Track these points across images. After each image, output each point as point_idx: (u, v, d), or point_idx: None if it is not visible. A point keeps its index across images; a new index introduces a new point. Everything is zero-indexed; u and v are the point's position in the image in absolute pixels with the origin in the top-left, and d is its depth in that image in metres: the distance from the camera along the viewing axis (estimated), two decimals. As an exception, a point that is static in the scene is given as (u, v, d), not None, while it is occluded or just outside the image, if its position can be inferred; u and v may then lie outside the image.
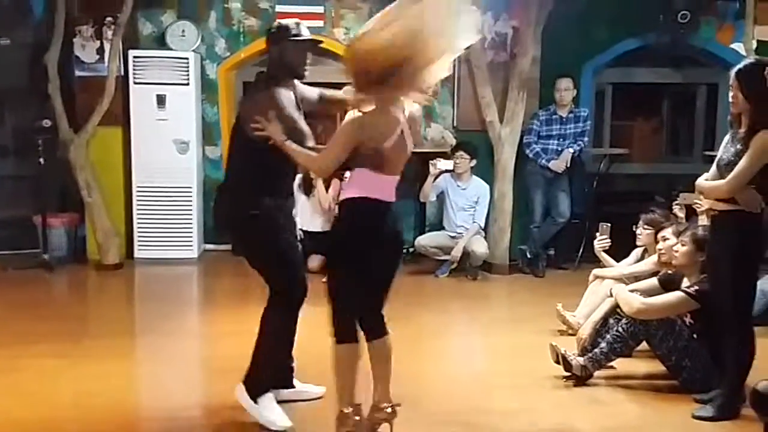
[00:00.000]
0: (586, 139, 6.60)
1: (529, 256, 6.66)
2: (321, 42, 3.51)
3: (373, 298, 3.20)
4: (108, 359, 4.30)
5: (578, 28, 6.84)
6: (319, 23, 7.16)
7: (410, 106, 3.17)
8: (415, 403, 3.65)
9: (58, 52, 6.55)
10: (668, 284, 4.02)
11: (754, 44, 6.60)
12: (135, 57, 6.76)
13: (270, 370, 3.48)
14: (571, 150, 6.46)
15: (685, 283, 3.89)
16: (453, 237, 6.46)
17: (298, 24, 3.47)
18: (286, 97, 3.28)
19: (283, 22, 3.52)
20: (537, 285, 6.42)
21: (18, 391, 3.82)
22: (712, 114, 7.56)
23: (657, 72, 7.45)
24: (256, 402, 3.38)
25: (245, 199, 3.34)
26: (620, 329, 3.82)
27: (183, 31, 7.01)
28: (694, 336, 3.78)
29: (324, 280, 6.10)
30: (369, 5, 7.15)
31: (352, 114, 3.13)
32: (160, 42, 7.07)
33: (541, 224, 6.62)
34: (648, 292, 4.00)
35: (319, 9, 7.14)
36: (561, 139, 6.52)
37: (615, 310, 4.02)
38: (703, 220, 4.94)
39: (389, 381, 3.23)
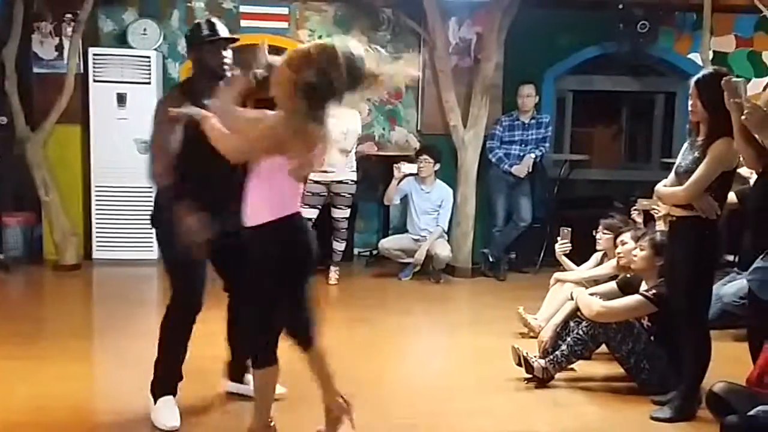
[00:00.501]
0: (547, 144, 6.70)
1: (491, 259, 6.73)
2: (237, 39, 3.37)
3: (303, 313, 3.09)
4: (65, 361, 4.21)
5: (540, 36, 6.95)
6: (284, 24, 7.15)
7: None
8: (377, 406, 3.67)
9: (16, 48, 6.43)
10: (627, 288, 4.10)
11: (711, 54, 6.78)
12: (95, 54, 6.66)
13: (163, 373, 3.46)
14: (532, 155, 6.55)
15: (643, 286, 3.98)
16: (416, 240, 6.49)
17: (211, 23, 3.35)
18: (162, 110, 3.20)
19: (197, 22, 3.41)
20: (499, 288, 6.49)
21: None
22: (670, 122, 7.74)
23: (616, 80, 7.60)
24: (155, 402, 3.42)
25: (164, 202, 3.25)
26: (581, 332, 3.88)
27: (145, 29, 6.93)
28: (652, 339, 3.86)
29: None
30: (334, 8, 7.16)
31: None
32: (121, 40, 6.98)
33: (503, 228, 6.70)
34: (607, 296, 4.08)
35: (284, 10, 7.12)
36: (523, 145, 6.61)
37: (575, 313, 4.08)
38: (661, 226, 5.08)
39: (333, 379, 3.21)
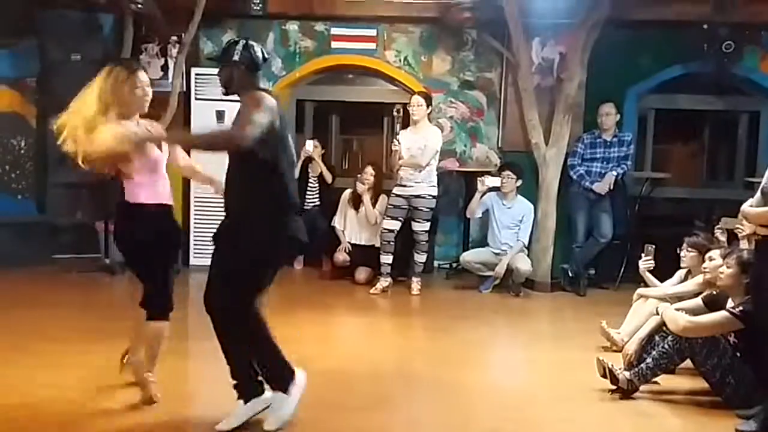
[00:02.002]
0: (629, 162, 6.79)
1: (570, 274, 6.84)
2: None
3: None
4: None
5: (623, 55, 7.06)
6: (372, 45, 7.47)
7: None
8: (460, 412, 3.87)
9: (126, 68, 6.92)
10: (712, 304, 4.18)
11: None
12: (197, 74, 7.12)
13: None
14: (614, 173, 6.65)
15: (730, 303, 4.05)
16: (497, 254, 6.67)
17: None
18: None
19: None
20: (579, 303, 6.60)
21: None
22: (754, 141, 7.69)
23: (699, 99, 7.61)
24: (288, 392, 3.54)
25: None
26: (666, 346, 4.00)
27: (242, 50, 7.34)
28: (737, 354, 3.94)
29: (371, 291, 6.32)
30: (420, 29, 7.44)
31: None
32: (220, 60, 7.41)
33: (584, 244, 6.81)
34: (693, 312, 4.16)
35: (372, 32, 7.45)
36: (605, 162, 6.72)
37: (661, 328, 4.19)
38: (745, 244, 5.14)
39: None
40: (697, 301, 4.32)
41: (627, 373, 4.08)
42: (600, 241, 6.72)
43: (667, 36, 7.11)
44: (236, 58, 3.44)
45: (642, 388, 4.11)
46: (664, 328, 4.14)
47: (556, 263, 6.96)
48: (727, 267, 4.06)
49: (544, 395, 4.24)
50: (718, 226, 5.65)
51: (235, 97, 3.48)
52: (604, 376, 4.16)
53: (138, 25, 6.99)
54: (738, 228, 5.38)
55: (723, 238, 5.38)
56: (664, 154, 7.99)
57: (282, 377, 3.51)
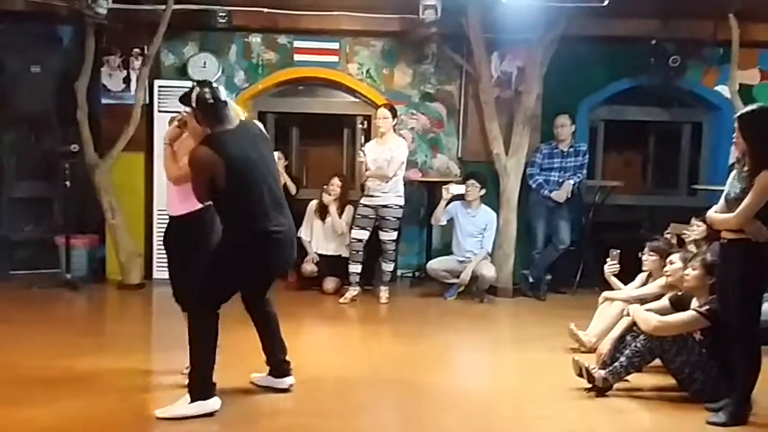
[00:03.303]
0: (584, 171, 7.10)
1: (531, 280, 7.09)
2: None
3: None
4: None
5: (577, 69, 7.36)
6: (335, 58, 7.59)
7: None
8: (436, 416, 4.03)
9: (87, 80, 6.87)
10: (679, 304, 4.46)
11: (737, 87, 7.18)
12: (160, 86, 7.10)
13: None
14: (571, 182, 6.94)
15: (695, 303, 4.33)
16: (461, 261, 6.87)
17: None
18: None
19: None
20: (540, 307, 6.85)
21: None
22: (696, 151, 8.14)
23: (646, 110, 8.01)
24: None
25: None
26: (638, 345, 4.24)
27: (204, 62, 7.39)
28: (704, 351, 4.21)
29: (340, 301, 6.47)
30: (381, 43, 7.60)
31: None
32: (181, 72, 7.43)
33: (543, 250, 7.07)
34: (660, 312, 4.43)
35: (335, 45, 7.57)
36: (562, 171, 7.01)
37: (632, 328, 4.43)
38: (692, 248, 5.48)
39: None
40: (664, 302, 4.59)
41: (602, 372, 4.30)
42: (559, 247, 7.00)
43: (617, 51, 7.46)
44: (193, 104, 3.76)
45: (615, 385, 4.35)
46: (635, 328, 4.38)
47: (517, 269, 7.20)
48: (692, 269, 4.34)
49: (520, 395, 4.43)
50: (667, 231, 6.01)
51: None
52: (580, 375, 4.37)
53: (99, 37, 6.92)
54: (685, 233, 5.76)
55: (673, 241, 5.72)
56: (614, 163, 8.35)
57: (197, 389, 3.79)
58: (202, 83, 3.81)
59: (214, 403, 3.81)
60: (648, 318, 4.27)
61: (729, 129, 7.54)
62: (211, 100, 3.71)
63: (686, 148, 8.22)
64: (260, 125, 4.15)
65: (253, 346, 4.28)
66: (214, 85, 3.80)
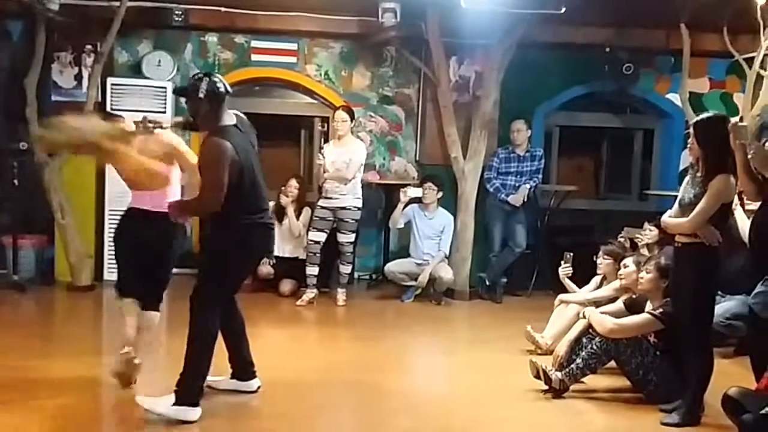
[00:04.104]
0: (540, 176, 7.18)
1: (488, 283, 7.14)
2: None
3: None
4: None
5: (533, 75, 7.45)
6: (293, 59, 7.54)
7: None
8: (391, 417, 4.05)
9: (37, 76, 6.68)
10: (633, 307, 4.54)
11: (687, 95, 7.36)
12: (113, 84, 6.95)
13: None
14: (527, 186, 7.02)
15: (649, 306, 4.42)
16: (419, 264, 6.88)
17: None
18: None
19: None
20: (496, 310, 6.91)
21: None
22: (648, 156, 8.32)
23: (599, 117, 8.17)
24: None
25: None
26: (594, 347, 4.30)
27: (159, 61, 7.25)
28: (658, 353, 4.29)
29: (297, 303, 6.45)
30: (340, 45, 7.58)
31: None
32: (135, 70, 7.28)
33: (499, 254, 7.13)
34: (615, 315, 4.51)
35: (293, 46, 7.52)
36: (518, 176, 7.08)
37: (587, 330, 4.49)
38: (645, 252, 5.59)
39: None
40: (619, 305, 4.68)
41: (558, 374, 4.35)
42: (515, 250, 7.06)
43: (572, 58, 7.59)
44: (201, 95, 3.71)
45: (571, 387, 4.41)
46: (591, 331, 4.44)
47: (474, 272, 7.24)
48: (647, 272, 4.42)
49: (478, 397, 4.47)
50: (620, 235, 6.12)
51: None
52: (537, 377, 4.42)
53: (50, 33, 6.74)
54: (638, 237, 5.87)
55: (627, 245, 5.83)
56: (568, 168, 8.48)
57: (185, 393, 3.72)
58: (209, 74, 3.84)
59: (194, 414, 3.73)
60: (603, 321, 4.34)
61: (680, 136, 7.90)
62: (223, 91, 3.75)
63: (638, 154, 8.40)
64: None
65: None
66: (220, 77, 3.83)
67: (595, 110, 8.08)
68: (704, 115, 4.13)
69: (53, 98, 6.96)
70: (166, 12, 6.86)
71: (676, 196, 7.26)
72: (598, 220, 8.15)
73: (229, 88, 3.82)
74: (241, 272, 4.06)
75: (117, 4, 6.61)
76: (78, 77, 6.98)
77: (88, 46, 6.94)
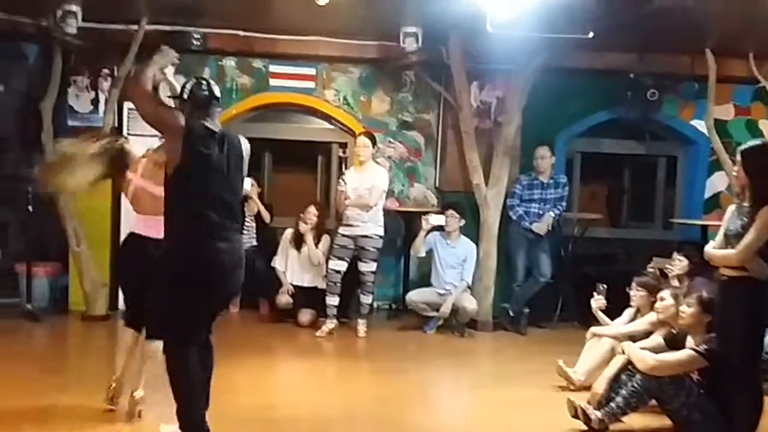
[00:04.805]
0: (564, 204, 7.02)
1: (511, 314, 6.95)
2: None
3: None
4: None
5: (555, 101, 7.31)
6: (311, 84, 7.44)
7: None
8: None
9: (53, 101, 6.59)
10: (673, 342, 4.35)
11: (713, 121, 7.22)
12: (130, 109, 6.82)
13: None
14: (552, 214, 6.86)
15: (690, 341, 4.23)
16: (441, 294, 6.70)
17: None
18: None
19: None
20: (521, 342, 6.71)
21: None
22: (671, 184, 8.15)
23: (622, 143, 8.01)
24: None
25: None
26: (636, 385, 4.11)
27: (176, 85, 7.13)
28: (702, 391, 4.10)
29: (317, 334, 6.23)
30: (359, 69, 7.47)
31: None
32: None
33: (523, 284, 6.95)
34: (654, 350, 4.32)
35: (311, 71, 7.42)
36: (542, 203, 6.93)
37: (627, 367, 4.30)
38: (675, 283, 5.41)
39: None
40: (658, 340, 4.49)
41: (598, 413, 4.16)
42: (540, 280, 6.89)
43: (594, 83, 7.45)
44: (185, 96, 3.67)
45: (611, 426, 4.21)
46: (630, 368, 4.26)
47: (496, 303, 7.06)
48: (688, 306, 4.24)
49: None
50: (650, 265, 5.93)
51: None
52: (575, 416, 4.23)
53: (67, 57, 6.66)
54: (667, 267, 5.69)
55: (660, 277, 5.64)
56: (589, 195, 8.33)
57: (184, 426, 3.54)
58: (198, 78, 3.79)
59: None
60: (644, 357, 4.15)
61: (705, 163, 7.75)
62: (206, 93, 3.65)
63: (662, 181, 8.24)
64: (245, 143, 3.83)
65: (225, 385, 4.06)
66: (210, 81, 3.74)
67: (617, 137, 7.93)
68: (752, 143, 3.99)
69: (69, 123, 6.84)
70: (184, 36, 6.76)
71: (702, 225, 7.27)
72: (621, 249, 7.98)
73: (216, 94, 3.70)
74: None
75: (135, 27, 6.53)
76: (94, 101, 6.89)
77: (105, 70, 6.85)
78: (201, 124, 3.57)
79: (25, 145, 6.78)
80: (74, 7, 6.29)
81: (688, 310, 4.24)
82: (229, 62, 7.35)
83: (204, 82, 3.72)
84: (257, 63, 7.38)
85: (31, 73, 6.93)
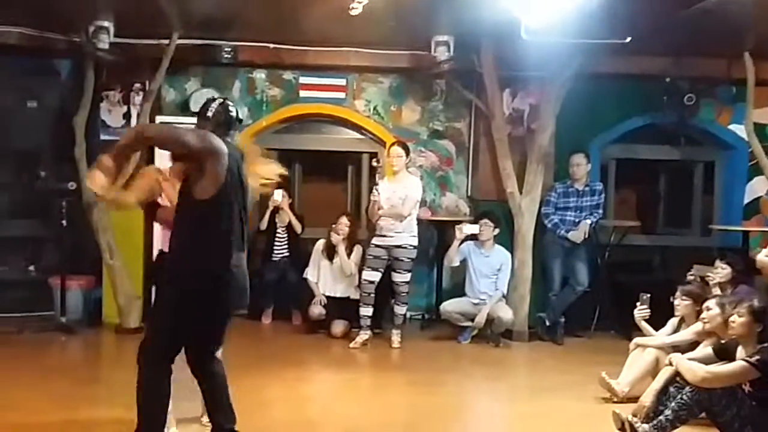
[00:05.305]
0: (600, 211, 6.89)
1: (547, 323, 6.83)
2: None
3: None
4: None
5: (588, 107, 7.19)
6: (341, 95, 7.41)
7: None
8: None
9: (86, 115, 6.62)
10: (723, 353, 4.21)
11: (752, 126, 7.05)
12: (162, 123, 6.84)
13: None
14: (588, 221, 6.73)
15: (741, 352, 4.09)
16: (476, 304, 6.60)
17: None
18: None
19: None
20: (558, 352, 6.58)
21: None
22: (709, 190, 7.98)
23: (657, 149, 7.86)
24: None
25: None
26: (685, 397, 3.98)
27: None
28: (754, 404, 3.96)
29: (351, 345, 6.14)
30: (389, 79, 7.43)
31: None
32: (183, 108, 7.19)
33: (560, 293, 6.83)
34: (703, 361, 4.17)
35: (342, 81, 7.39)
36: (578, 211, 6.81)
37: (675, 379, 4.18)
38: (717, 291, 5.27)
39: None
40: (707, 351, 4.35)
41: (646, 426, 4.03)
42: (576, 289, 6.76)
43: (629, 88, 7.32)
44: (209, 114, 3.61)
45: (658, 441, 4.08)
46: (679, 379, 4.13)
47: (532, 312, 6.94)
48: (739, 316, 4.10)
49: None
50: (690, 273, 5.79)
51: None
52: (621, 429, 4.11)
53: (99, 72, 6.69)
54: (709, 275, 5.54)
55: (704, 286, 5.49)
56: (624, 202, 8.18)
57: None
58: (224, 98, 3.81)
59: None
60: (694, 369, 4.01)
61: (744, 168, 7.57)
62: (233, 115, 3.66)
63: (699, 187, 8.07)
64: None
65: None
66: (233, 103, 3.75)
67: (653, 142, 7.78)
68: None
69: (102, 137, 6.86)
70: (215, 49, 6.78)
71: (743, 231, 7.10)
72: (659, 256, 7.83)
73: (240, 117, 3.76)
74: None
75: (166, 42, 6.55)
76: (127, 116, 6.90)
77: (137, 85, 6.87)
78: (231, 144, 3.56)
79: (58, 160, 6.81)
80: (106, 23, 6.34)
81: (738, 319, 4.10)
82: (260, 74, 7.35)
83: (231, 103, 3.70)
84: (287, 75, 7.37)
85: (63, 89, 6.98)
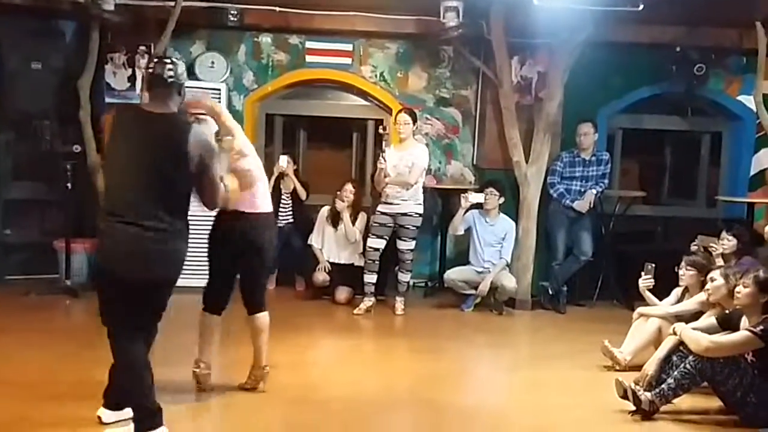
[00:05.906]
0: (606, 181, 6.87)
1: (550, 292, 6.85)
2: None
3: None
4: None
5: (596, 75, 7.12)
6: (348, 60, 7.34)
7: None
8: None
9: (91, 78, 6.58)
10: (726, 323, 4.24)
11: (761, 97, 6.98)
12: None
13: None
14: (594, 191, 6.71)
15: (745, 322, 4.11)
16: (480, 272, 6.61)
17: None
18: None
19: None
20: (560, 321, 6.62)
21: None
22: (716, 161, 7.94)
23: (664, 119, 7.79)
24: None
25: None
26: (688, 366, 4.01)
27: (212, 62, 7.10)
28: (757, 372, 3.98)
29: (354, 312, 6.15)
30: (396, 45, 7.35)
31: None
32: (188, 72, 7.00)
33: (564, 262, 6.83)
34: (707, 331, 4.20)
35: (348, 47, 7.32)
36: (584, 181, 6.79)
37: (678, 348, 4.20)
38: (720, 261, 5.27)
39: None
40: (711, 321, 4.36)
41: (648, 394, 4.07)
42: (580, 258, 6.77)
43: (638, 58, 7.24)
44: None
45: (661, 408, 4.11)
46: (682, 348, 4.15)
47: (535, 281, 6.95)
48: (744, 287, 4.11)
49: (559, 418, 4.19)
50: (693, 243, 5.78)
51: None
52: (624, 397, 4.14)
53: (104, 34, 6.63)
54: (713, 246, 5.54)
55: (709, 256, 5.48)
56: (631, 172, 8.15)
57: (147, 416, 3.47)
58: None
59: None
60: (698, 338, 4.04)
61: (751, 139, 7.52)
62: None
63: (705, 158, 8.02)
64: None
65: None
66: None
67: (661, 112, 7.72)
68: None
69: (107, 100, 6.83)
70: (221, 12, 6.69)
71: (748, 203, 7.07)
72: (663, 226, 7.83)
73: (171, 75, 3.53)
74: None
75: (172, 4, 6.48)
76: (131, 78, 6.85)
77: (142, 47, 6.81)
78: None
79: (62, 122, 6.76)
80: (112, -16, 6.28)
81: (743, 290, 4.10)
82: (266, 39, 7.27)
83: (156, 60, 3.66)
84: (294, 39, 7.29)
85: (68, 51, 6.91)
